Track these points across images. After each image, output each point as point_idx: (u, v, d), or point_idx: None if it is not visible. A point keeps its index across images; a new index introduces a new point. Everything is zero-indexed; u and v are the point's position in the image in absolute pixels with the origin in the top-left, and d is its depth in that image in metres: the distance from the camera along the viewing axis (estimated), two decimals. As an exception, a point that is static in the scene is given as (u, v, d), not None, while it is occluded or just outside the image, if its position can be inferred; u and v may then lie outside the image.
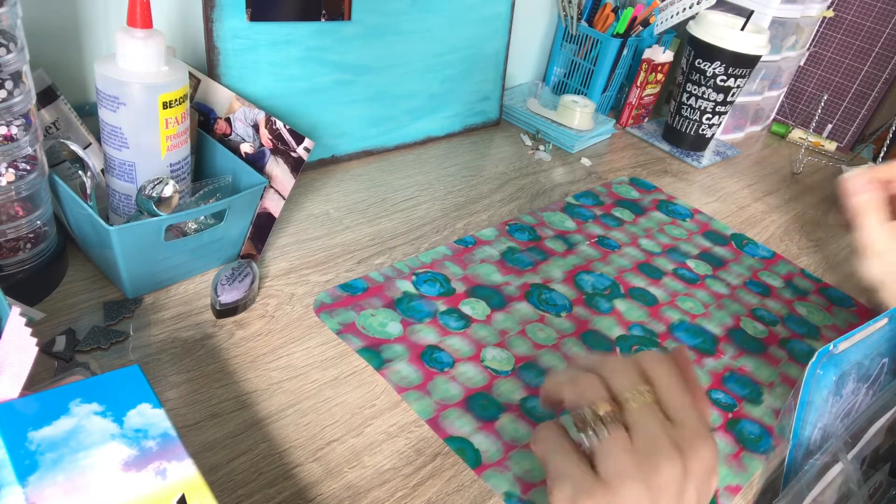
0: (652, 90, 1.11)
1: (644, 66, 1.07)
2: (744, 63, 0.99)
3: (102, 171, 0.59)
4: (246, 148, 0.64)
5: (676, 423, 0.35)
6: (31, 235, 0.53)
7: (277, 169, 0.61)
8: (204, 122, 0.66)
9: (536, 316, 0.64)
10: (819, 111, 1.25)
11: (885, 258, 0.65)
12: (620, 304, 0.69)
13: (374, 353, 0.56)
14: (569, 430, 0.37)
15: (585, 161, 0.98)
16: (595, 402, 0.35)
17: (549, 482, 0.36)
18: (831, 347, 0.50)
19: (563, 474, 0.35)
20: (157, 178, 0.55)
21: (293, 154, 0.60)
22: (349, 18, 0.76)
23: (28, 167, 0.50)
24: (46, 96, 0.60)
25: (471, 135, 0.99)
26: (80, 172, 0.55)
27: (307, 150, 0.59)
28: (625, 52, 1.07)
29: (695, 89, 1.03)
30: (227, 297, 0.56)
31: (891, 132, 1.17)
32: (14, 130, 0.47)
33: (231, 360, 0.53)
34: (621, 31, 1.05)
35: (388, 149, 0.89)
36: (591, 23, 1.08)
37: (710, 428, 0.36)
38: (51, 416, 0.32)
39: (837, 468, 0.46)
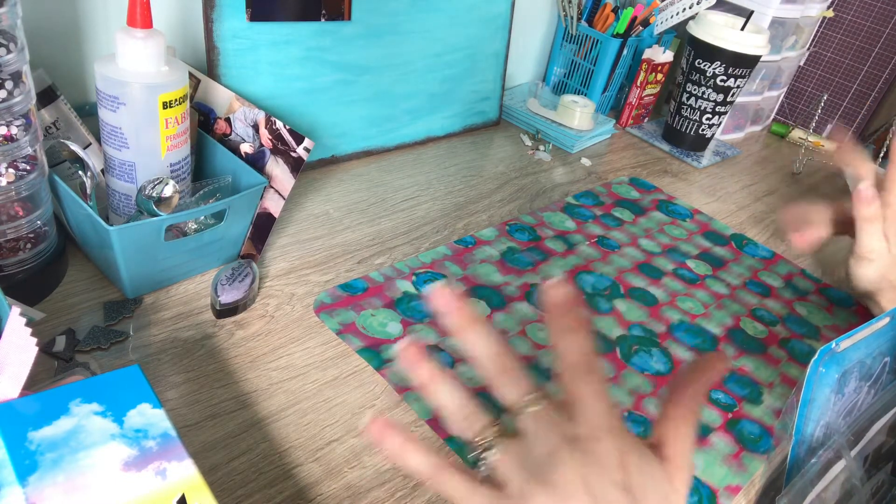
0: (652, 90, 1.11)
1: (644, 66, 1.07)
2: (744, 63, 0.99)
3: (102, 171, 0.59)
4: (246, 148, 0.64)
5: (576, 419, 0.33)
6: (31, 235, 0.53)
7: (277, 169, 0.61)
8: (204, 122, 0.66)
9: (536, 316, 0.64)
10: (819, 111, 1.25)
11: (878, 264, 0.67)
12: (620, 305, 0.69)
13: (374, 353, 0.56)
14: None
15: (585, 161, 0.98)
16: (474, 435, 0.34)
17: None
18: (833, 345, 0.50)
19: None
20: (157, 178, 0.55)
21: (293, 154, 0.60)
22: (349, 18, 0.76)
23: (28, 167, 0.50)
24: (46, 96, 0.60)
25: (471, 135, 0.99)
26: (80, 172, 0.55)
27: (307, 150, 0.59)
28: (625, 52, 1.07)
29: (695, 89, 1.03)
30: (227, 297, 0.56)
31: (891, 132, 1.17)
32: (14, 130, 0.47)
33: (231, 360, 0.53)
34: (621, 31, 1.05)
35: (388, 149, 0.89)
36: (591, 23, 1.08)
37: (617, 419, 0.33)
38: (51, 416, 0.32)
39: (840, 465, 0.46)
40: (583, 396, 0.33)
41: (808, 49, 1.24)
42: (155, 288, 0.57)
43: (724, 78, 1.00)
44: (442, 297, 0.35)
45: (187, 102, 0.56)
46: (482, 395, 0.54)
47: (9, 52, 0.45)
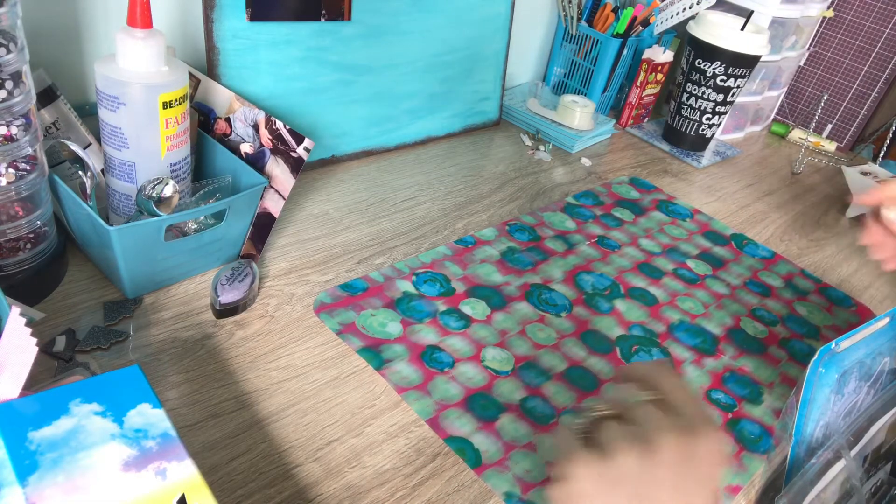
0: (652, 90, 1.11)
1: (644, 66, 1.07)
2: (744, 63, 0.99)
3: (102, 171, 0.59)
4: (246, 148, 0.64)
5: (679, 415, 0.37)
6: (31, 235, 0.53)
7: (277, 169, 0.61)
8: (204, 122, 0.66)
9: (536, 316, 0.64)
10: (819, 111, 1.25)
11: None
12: (620, 304, 0.69)
13: (374, 353, 0.56)
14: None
15: (585, 161, 0.98)
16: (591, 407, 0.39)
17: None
18: (833, 346, 0.50)
19: (559, 452, 0.38)
20: (157, 178, 0.55)
21: (293, 154, 0.60)
22: (349, 18, 0.76)
23: (28, 167, 0.50)
24: (46, 96, 0.60)
25: (471, 135, 0.99)
26: (80, 172, 0.55)
27: (307, 150, 0.59)
28: (625, 52, 1.07)
29: (695, 89, 1.03)
30: (227, 297, 0.56)
31: (891, 132, 1.17)
32: (14, 130, 0.47)
33: (231, 360, 0.53)
34: (621, 31, 1.05)
35: (388, 149, 0.89)
36: (591, 23, 1.08)
37: (713, 421, 0.39)
38: (51, 416, 0.32)
39: (840, 465, 0.46)
40: (675, 391, 0.38)
41: (808, 49, 1.24)
42: (155, 288, 0.57)
43: (724, 78, 1.00)
44: None
45: (187, 102, 0.56)
46: (480, 395, 0.54)
47: (9, 52, 0.45)
